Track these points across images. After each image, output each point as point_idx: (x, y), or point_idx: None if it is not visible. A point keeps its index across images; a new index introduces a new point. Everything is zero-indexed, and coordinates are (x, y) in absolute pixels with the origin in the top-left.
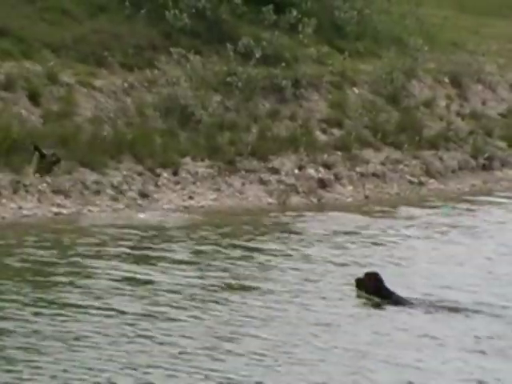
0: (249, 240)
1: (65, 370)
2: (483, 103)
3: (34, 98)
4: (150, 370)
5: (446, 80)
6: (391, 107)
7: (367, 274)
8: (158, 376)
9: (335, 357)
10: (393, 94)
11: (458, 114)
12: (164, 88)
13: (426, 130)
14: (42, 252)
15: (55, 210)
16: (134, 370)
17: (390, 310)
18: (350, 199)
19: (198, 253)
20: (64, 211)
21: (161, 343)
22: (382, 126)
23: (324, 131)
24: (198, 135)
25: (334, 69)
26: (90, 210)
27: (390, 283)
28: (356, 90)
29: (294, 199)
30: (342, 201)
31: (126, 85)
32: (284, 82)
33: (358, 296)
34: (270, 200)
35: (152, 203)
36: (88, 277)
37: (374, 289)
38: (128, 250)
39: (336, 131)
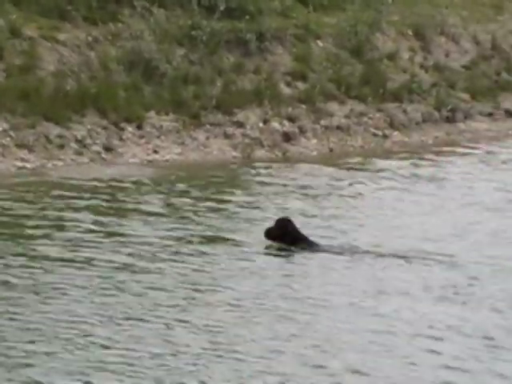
0: (219, 192)
1: (39, 322)
2: (446, 55)
3: None
4: (127, 323)
5: (410, 32)
6: (355, 60)
7: (278, 221)
8: (136, 328)
9: (307, 306)
10: (357, 46)
11: (422, 66)
12: (128, 42)
13: (390, 83)
14: (11, 204)
15: (19, 164)
16: (112, 322)
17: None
18: (314, 152)
19: (169, 205)
20: (28, 165)
21: (137, 295)
22: (346, 78)
23: (288, 84)
24: (162, 89)
25: (298, 22)
26: (54, 164)
27: (357, 234)
28: (320, 43)
29: (259, 153)
30: (306, 154)
31: (89, 38)
32: (248, 35)
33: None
34: (234, 153)
35: (116, 157)
36: (60, 229)
37: (289, 236)
38: (99, 203)
39: (300, 84)
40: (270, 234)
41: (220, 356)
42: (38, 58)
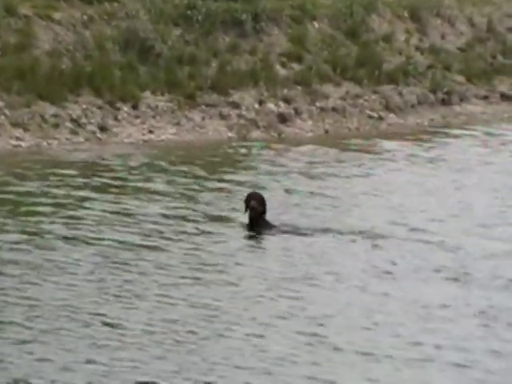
0: (219, 172)
1: (40, 299)
2: (442, 37)
3: None
4: (130, 300)
5: (406, 14)
6: (351, 42)
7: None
8: (140, 305)
9: (324, 283)
10: (352, 28)
11: (417, 48)
12: (123, 21)
13: (386, 65)
14: (12, 181)
15: (14, 142)
16: (115, 299)
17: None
18: (310, 134)
19: (170, 184)
20: (23, 144)
21: (140, 273)
22: (341, 60)
23: (284, 65)
24: (157, 69)
25: (294, 3)
26: (49, 143)
27: (354, 213)
28: (316, 24)
29: (254, 134)
30: (302, 135)
31: (85, 18)
32: (244, 15)
33: None
34: (229, 134)
35: (111, 137)
36: (63, 207)
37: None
38: (100, 181)
39: (296, 66)
40: (254, 208)
41: (221, 335)
42: (34, 37)
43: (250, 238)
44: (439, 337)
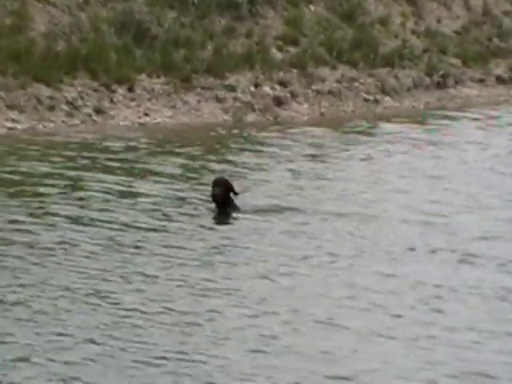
0: (221, 154)
1: (49, 279)
2: (438, 21)
3: None
4: (139, 279)
5: None
6: (346, 25)
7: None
8: (148, 286)
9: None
10: (348, 11)
11: (413, 31)
12: (119, 3)
13: (381, 48)
14: (16, 163)
15: (9, 125)
16: (124, 280)
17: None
18: (305, 117)
19: (175, 166)
20: (18, 126)
21: (156, 254)
22: (337, 43)
23: (280, 49)
24: (153, 52)
25: None
26: (44, 126)
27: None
28: (312, 8)
29: (250, 117)
30: (298, 118)
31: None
32: None
33: None
34: (225, 117)
35: (107, 119)
36: (70, 187)
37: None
38: (105, 163)
39: (292, 49)
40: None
41: (226, 316)
42: (29, 19)
43: (252, 219)
44: (444, 318)
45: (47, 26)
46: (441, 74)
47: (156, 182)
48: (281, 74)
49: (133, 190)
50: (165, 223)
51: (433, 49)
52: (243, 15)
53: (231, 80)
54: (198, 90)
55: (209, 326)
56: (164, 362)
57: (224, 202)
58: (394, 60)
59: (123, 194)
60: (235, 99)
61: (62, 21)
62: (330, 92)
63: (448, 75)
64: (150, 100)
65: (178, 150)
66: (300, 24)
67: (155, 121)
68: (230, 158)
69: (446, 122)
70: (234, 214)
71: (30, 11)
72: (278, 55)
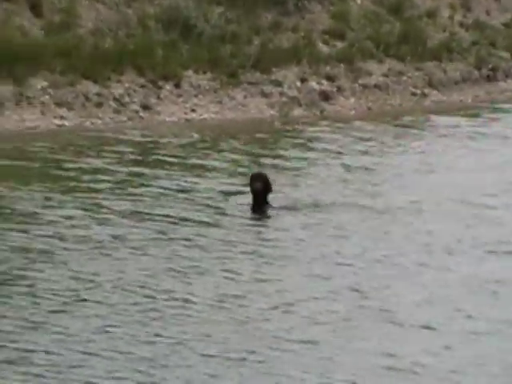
0: (272, 149)
1: (98, 274)
2: (487, 13)
3: (35, 9)
4: (201, 275)
5: None
6: (394, 18)
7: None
8: (212, 281)
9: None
10: (395, 4)
11: (462, 24)
12: (165, 0)
13: (429, 41)
14: (69, 159)
15: (58, 122)
16: (186, 273)
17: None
18: (352, 111)
19: (227, 161)
20: (66, 123)
21: (206, 249)
22: (384, 37)
23: (326, 43)
24: (199, 47)
25: None
26: (92, 123)
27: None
28: (358, 1)
29: (296, 111)
30: (344, 113)
31: None
32: None
33: None
34: (272, 112)
35: (154, 115)
36: (121, 184)
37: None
38: (156, 158)
39: (338, 43)
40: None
41: (285, 311)
42: (77, 16)
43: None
44: (498, 311)
45: (95, 22)
46: (490, 68)
47: (208, 177)
48: (327, 68)
49: (185, 184)
50: (218, 217)
51: (481, 42)
52: (289, 10)
53: (278, 75)
54: (245, 85)
55: (273, 322)
56: (233, 355)
57: (263, 197)
58: (441, 53)
59: (175, 189)
60: (281, 94)
61: (109, 18)
62: (376, 86)
63: (497, 68)
64: (196, 96)
65: (227, 145)
66: (347, 18)
67: (201, 117)
68: (281, 152)
69: (496, 115)
70: (275, 211)
71: (77, 8)
72: (325, 49)
